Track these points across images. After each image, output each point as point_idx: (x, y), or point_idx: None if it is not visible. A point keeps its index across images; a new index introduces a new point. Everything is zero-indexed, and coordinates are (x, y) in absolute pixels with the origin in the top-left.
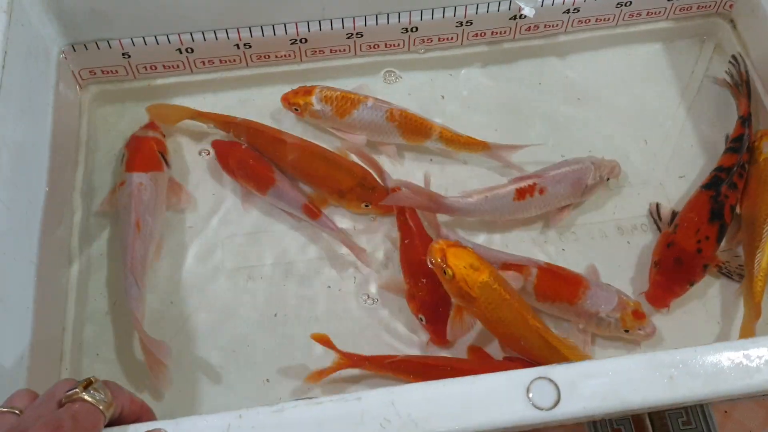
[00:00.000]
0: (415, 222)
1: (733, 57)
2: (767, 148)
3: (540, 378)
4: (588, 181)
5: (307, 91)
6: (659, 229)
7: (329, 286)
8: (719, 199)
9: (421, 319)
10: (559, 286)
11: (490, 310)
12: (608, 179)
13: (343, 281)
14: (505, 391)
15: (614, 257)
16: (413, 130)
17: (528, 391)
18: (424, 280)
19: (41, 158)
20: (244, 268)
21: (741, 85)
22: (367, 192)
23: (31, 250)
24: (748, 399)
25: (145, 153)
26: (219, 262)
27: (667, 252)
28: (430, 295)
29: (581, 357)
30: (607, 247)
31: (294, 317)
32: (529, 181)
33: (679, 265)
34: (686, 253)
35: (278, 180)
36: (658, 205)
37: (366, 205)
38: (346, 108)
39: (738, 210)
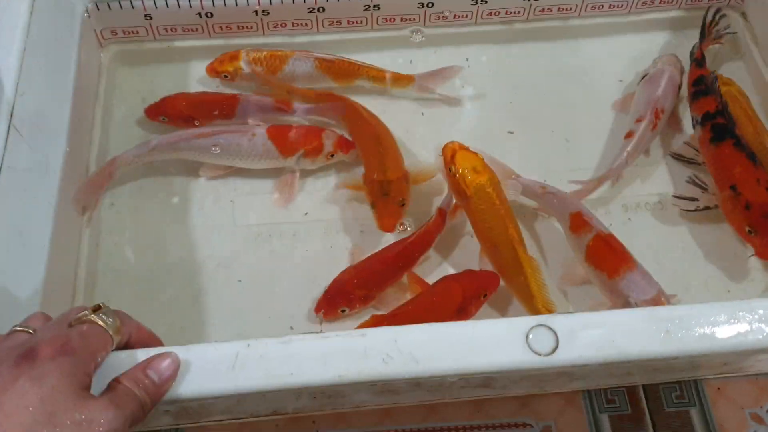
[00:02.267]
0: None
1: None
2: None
3: (540, 325)
4: (679, 80)
5: (234, 56)
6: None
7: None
8: (742, 142)
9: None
10: (607, 256)
11: (480, 211)
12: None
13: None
14: (506, 336)
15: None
16: (342, 73)
17: (527, 336)
18: None
19: (63, 108)
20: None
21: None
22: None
23: (50, 191)
24: (741, 377)
25: None
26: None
27: (752, 214)
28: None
29: (540, 288)
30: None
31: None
32: (652, 109)
33: (766, 216)
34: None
35: (241, 96)
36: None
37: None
38: (276, 65)
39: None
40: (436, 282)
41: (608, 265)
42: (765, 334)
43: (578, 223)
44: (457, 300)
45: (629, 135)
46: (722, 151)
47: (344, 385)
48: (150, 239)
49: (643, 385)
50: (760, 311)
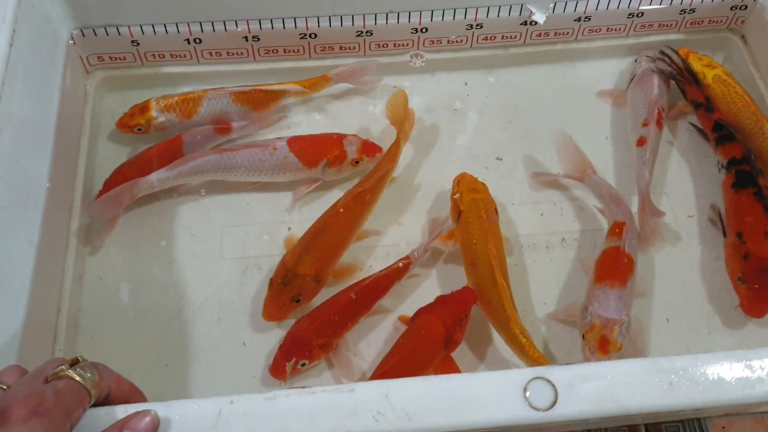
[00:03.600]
0: None
1: (661, 52)
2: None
3: (538, 378)
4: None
5: (144, 107)
6: (724, 233)
7: None
8: (764, 192)
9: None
10: (608, 263)
11: (467, 224)
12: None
13: None
14: (502, 390)
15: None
16: (260, 102)
17: (525, 390)
18: None
19: (45, 140)
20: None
21: (681, 74)
22: None
23: (30, 229)
24: (746, 415)
25: None
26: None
27: (748, 264)
28: None
29: (508, 311)
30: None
31: None
32: (656, 109)
33: (762, 272)
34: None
35: (183, 134)
36: (718, 208)
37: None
38: (190, 108)
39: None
40: (412, 323)
41: (602, 270)
42: None
43: (615, 230)
44: (441, 333)
45: (641, 142)
46: (741, 198)
47: None
48: (135, 273)
49: (646, 425)
50: None
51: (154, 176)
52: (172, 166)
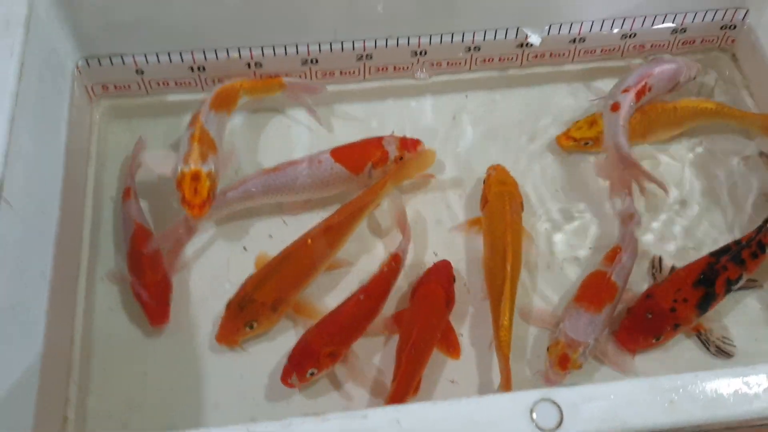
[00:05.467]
0: None
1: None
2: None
3: (544, 400)
4: (680, 78)
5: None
6: (654, 280)
7: None
8: (716, 267)
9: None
10: (591, 287)
11: (491, 213)
12: (694, 78)
13: None
14: (510, 412)
15: None
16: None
17: (532, 412)
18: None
19: (55, 171)
20: None
21: None
22: None
23: (44, 261)
24: (746, 429)
25: None
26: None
27: (643, 302)
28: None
29: (512, 294)
30: None
31: None
32: (641, 84)
33: (647, 317)
34: (658, 308)
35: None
36: (660, 259)
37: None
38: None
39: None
40: (416, 295)
41: (583, 291)
42: None
43: (611, 255)
44: (442, 296)
45: (615, 107)
46: (701, 260)
47: None
48: None
49: None
50: (764, 377)
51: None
52: (221, 196)
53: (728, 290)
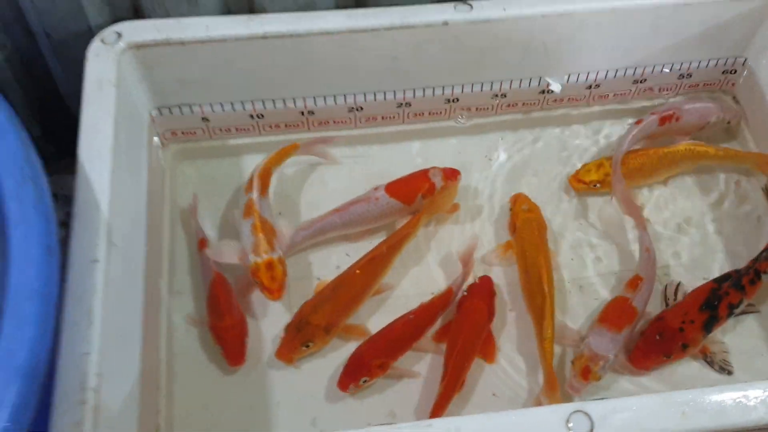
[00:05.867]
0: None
1: None
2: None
3: (578, 411)
4: (711, 119)
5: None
6: (667, 305)
7: None
8: (718, 293)
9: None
10: (615, 310)
11: (521, 239)
12: (729, 123)
13: None
14: (550, 422)
15: None
16: (264, 183)
17: (568, 422)
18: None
19: (140, 211)
20: None
21: None
22: None
23: (138, 291)
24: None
25: None
26: None
27: (654, 323)
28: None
29: (552, 310)
30: None
31: None
32: (669, 111)
33: (658, 338)
34: (668, 329)
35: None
36: (678, 285)
37: None
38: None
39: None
40: (461, 308)
41: (606, 313)
42: None
43: (633, 282)
44: (484, 309)
45: (638, 122)
46: (705, 286)
47: None
48: None
49: None
50: (760, 391)
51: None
52: (294, 235)
53: (730, 314)
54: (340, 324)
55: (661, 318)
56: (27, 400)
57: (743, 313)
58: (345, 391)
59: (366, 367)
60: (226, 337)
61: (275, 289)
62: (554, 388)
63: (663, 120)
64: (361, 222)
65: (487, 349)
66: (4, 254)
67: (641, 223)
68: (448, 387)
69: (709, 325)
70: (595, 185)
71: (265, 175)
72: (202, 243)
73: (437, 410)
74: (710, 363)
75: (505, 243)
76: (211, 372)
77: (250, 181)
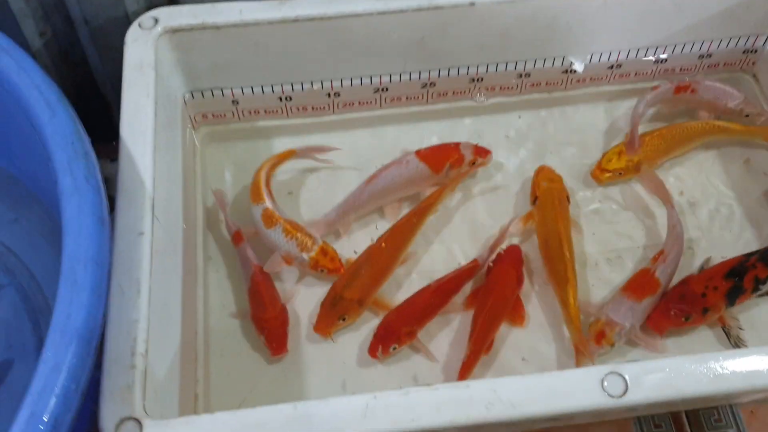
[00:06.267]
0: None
1: None
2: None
3: (612, 373)
4: (730, 104)
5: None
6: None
7: None
8: (746, 264)
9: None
10: (638, 280)
11: (541, 208)
12: (746, 115)
13: None
14: (585, 382)
15: None
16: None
17: (603, 382)
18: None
19: (177, 189)
20: None
21: None
22: None
23: (177, 264)
24: None
25: None
26: None
27: (678, 287)
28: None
29: (574, 275)
30: None
31: None
32: (686, 82)
33: (680, 299)
34: (691, 292)
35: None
36: (708, 260)
37: None
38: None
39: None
40: (490, 275)
41: (629, 283)
42: None
43: (657, 256)
44: (514, 275)
45: (654, 88)
46: (736, 258)
47: (456, 427)
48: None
49: (686, 411)
50: None
51: (321, 222)
52: (332, 210)
53: (756, 288)
54: (372, 296)
55: (685, 282)
56: (84, 361)
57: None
58: (375, 358)
59: (395, 335)
60: (270, 327)
61: (339, 267)
62: (585, 351)
63: (678, 89)
64: (390, 189)
65: (516, 313)
66: (59, 226)
67: (668, 200)
68: (475, 347)
69: (732, 294)
70: (619, 173)
71: (269, 183)
72: (238, 236)
73: (465, 371)
74: (727, 334)
75: (526, 214)
76: (245, 343)
77: (257, 191)
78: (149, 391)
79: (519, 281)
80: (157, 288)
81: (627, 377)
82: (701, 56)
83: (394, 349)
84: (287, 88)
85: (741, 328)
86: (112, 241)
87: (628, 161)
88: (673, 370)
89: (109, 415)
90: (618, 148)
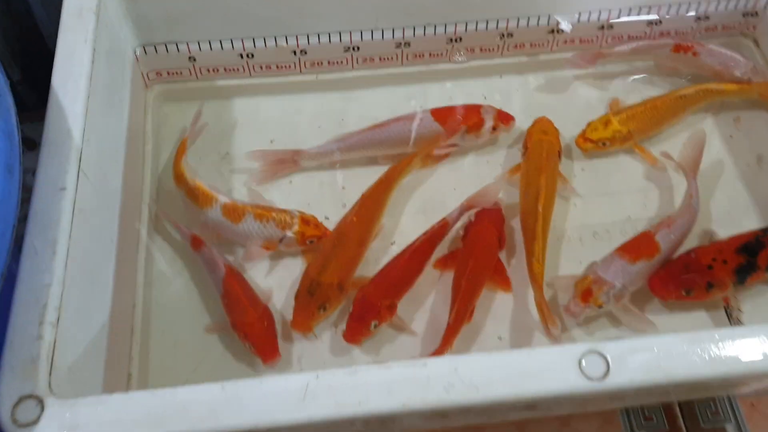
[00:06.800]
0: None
1: None
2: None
3: (591, 351)
4: (737, 72)
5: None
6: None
7: None
8: (762, 239)
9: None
10: (632, 239)
11: (528, 160)
12: (750, 80)
13: None
14: (560, 362)
15: None
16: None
17: (580, 362)
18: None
19: (119, 149)
20: None
21: None
22: None
23: (111, 230)
24: None
25: None
26: None
27: (684, 255)
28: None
29: (538, 233)
30: None
31: None
32: (688, 43)
33: (684, 269)
34: (696, 263)
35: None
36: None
37: None
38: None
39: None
40: (468, 234)
41: (625, 244)
42: None
43: (663, 221)
44: (495, 234)
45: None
46: (751, 232)
47: (411, 412)
48: (198, 272)
49: (679, 403)
50: None
51: (314, 149)
52: (332, 141)
53: None
54: (351, 277)
55: (693, 252)
56: None
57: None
58: (355, 342)
59: (375, 309)
60: (255, 332)
61: (326, 231)
62: (547, 312)
63: (678, 47)
64: (396, 141)
65: (499, 278)
66: None
67: (694, 169)
68: (458, 315)
69: (742, 271)
70: (603, 143)
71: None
72: (197, 240)
73: (448, 339)
74: (728, 316)
75: (514, 166)
76: (191, 319)
77: (202, 195)
78: (59, 367)
79: (501, 243)
80: (80, 251)
81: (609, 357)
82: (698, 18)
83: (375, 326)
84: (248, 43)
85: (740, 310)
86: (34, 197)
87: (615, 132)
88: (662, 350)
89: (7, 392)
90: (606, 117)
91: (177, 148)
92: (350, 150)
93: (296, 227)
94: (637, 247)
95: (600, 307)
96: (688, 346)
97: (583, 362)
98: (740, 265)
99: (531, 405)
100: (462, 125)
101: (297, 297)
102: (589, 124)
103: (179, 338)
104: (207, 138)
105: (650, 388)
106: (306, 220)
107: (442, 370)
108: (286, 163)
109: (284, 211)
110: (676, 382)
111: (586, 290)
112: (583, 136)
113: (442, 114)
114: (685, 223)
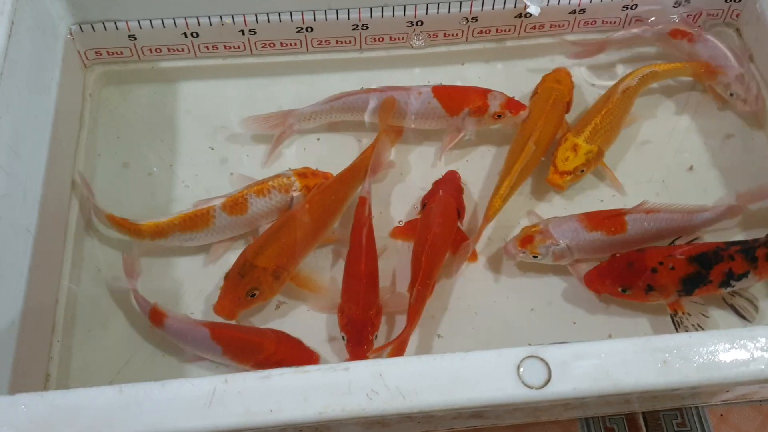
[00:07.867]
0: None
1: None
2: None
3: (531, 357)
4: (726, 71)
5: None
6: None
7: None
8: (722, 253)
9: (343, 338)
10: (602, 211)
11: (533, 104)
12: (731, 94)
13: None
14: (496, 368)
15: None
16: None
17: (518, 368)
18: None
19: (43, 132)
20: None
21: None
22: None
23: (29, 218)
24: (744, 403)
25: None
26: None
27: (633, 252)
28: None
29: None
30: None
31: None
32: (688, 29)
33: (626, 265)
34: (641, 263)
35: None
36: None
37: None
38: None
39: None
40: (428, 206)
41: (590, 213)
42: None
43: (644, 204)
44: (453, 205)
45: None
46: (713, 242)
47: (329, 421)
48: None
49: (643, 413)
50: (763, 340)
51: (307, 108)
52: (325, 101)
53: (726, 284)
54: (291, 268)
55: (643, 251)
56: None
57: (739, 314)
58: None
59: (369, 323)
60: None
61: (325, 174)
62: (475, 240)
63: (675, 33)
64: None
65: (459, 246)
66: None
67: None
68: (420, 291)
69: (691, 282)
70: (581, 171)
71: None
72: (157, 314)
73: (412, 318)
74: (677, 325)
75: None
76: (120, 316)
77: (195, 217)
78: None
79: (460, 211)
80: None
81: (550, 363)
82: (677, 3)
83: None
84: (192, 21)
85: (704, 315)
86: None
87: (587, 153)
88: (609, 356)
89: None
90: (570, 142)
91: (107, 216)
92: (343, 111)
93: (297, 184)
94: (601, 218)
95: (535, 256)
96: (640, 353)
97: (522, 368)
98: (689, 275)
99: (477, 414)
100: (464, 107)
101: (226, 277)
102: (556, 156)
103: (107, 337)
104: (151, 123)
105: (597, 397)
106: (302, 174)
107: (364, 375)
108: (281, 126)
109: (277, 176)
110: (625, 391)
111: (528, 236)
112: (557, 171)
113: (444, 92)
114: (673, 220)
